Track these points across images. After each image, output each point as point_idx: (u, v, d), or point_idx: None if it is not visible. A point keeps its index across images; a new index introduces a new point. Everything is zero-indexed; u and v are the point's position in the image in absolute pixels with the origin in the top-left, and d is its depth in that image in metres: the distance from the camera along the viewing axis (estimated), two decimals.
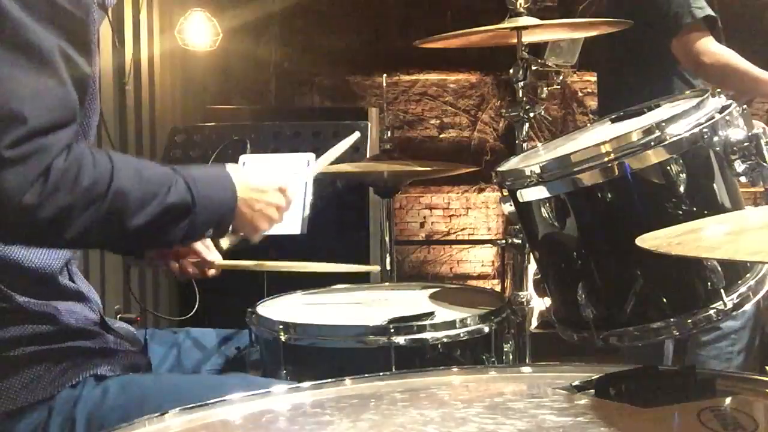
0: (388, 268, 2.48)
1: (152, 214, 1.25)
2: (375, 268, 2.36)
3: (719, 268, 1.41)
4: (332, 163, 1.81)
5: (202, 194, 1.32)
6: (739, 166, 1.44)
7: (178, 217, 1.30)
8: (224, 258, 1.62)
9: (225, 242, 1.51)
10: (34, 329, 1.34)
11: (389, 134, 2.54)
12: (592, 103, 6.61)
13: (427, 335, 1.53)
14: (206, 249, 1.61)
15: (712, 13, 2.80)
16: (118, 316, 1.83)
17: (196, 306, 2.04)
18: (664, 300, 1.47)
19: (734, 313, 1.45)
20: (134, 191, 1.24)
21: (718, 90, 1.53)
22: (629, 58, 2.94)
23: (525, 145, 1.95)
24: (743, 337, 2.85)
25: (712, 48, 2.78)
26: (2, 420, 1.31)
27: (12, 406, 1.31)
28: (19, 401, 1.31)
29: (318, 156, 1.83)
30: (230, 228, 1.42)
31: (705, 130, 1.43)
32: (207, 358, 1.73)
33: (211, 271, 1.62)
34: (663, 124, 1.42)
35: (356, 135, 1.91)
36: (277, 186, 1.49)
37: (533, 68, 1.97)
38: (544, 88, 2.16)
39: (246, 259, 1.66)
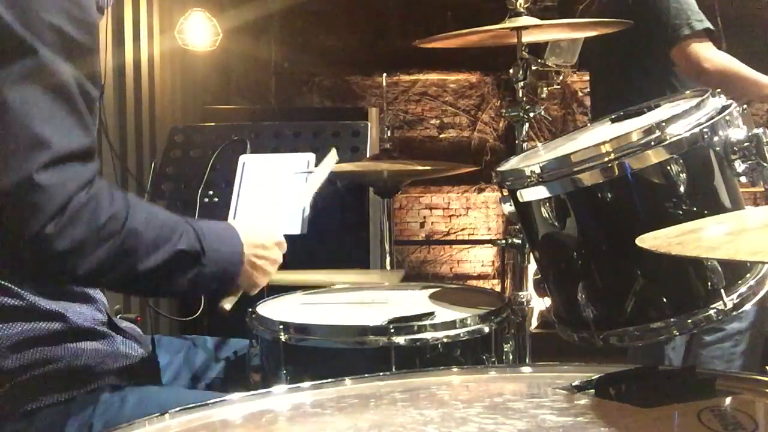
0: (388, 268, 2.47)
1: (163, 258, 1.28)
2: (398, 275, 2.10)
3: (719, 268, 1.41)
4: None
5: (211, 246, 1.35)
6: (739, 166, 1.44)
7: (187, 265, 1.32)
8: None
9: (227, 302, 1.50)
10: (46, 327, 1.36)
11: (389, 134, 2.54)
12: None
13: (427, 335, 1.52)
14: None
15: (710, 26, 2.82)
16: (118, 316, 1.83)
17: (201, 309, 2.03)
18: (664, 300, 1.47)
19: (734, 313, 1.45)
20: (147, 233, 1.26)
21: (718, 90, 1.53)
22: (626, 60, 2.94)
23: (525, 145, 1.95)
24: (746, 339, 2.86)
25: (712, 54, 2.81)
26: (19, 419, 1.32)
27: (29, 406, 1.32)
28: (37, 401, 1.32)
29: (318, 161, 1.83)
30: (235, 283, 1.44)
31: (705, 130, 1.43)
32: (210, 366, 1.74)
33: None
34: (663, 124, 1.42)
35: (333, 154, 1.91)
36: (276, 241, 1.53)
37: (533, 68, 1.97)
38: (544, 88, 2.16)
39: None
